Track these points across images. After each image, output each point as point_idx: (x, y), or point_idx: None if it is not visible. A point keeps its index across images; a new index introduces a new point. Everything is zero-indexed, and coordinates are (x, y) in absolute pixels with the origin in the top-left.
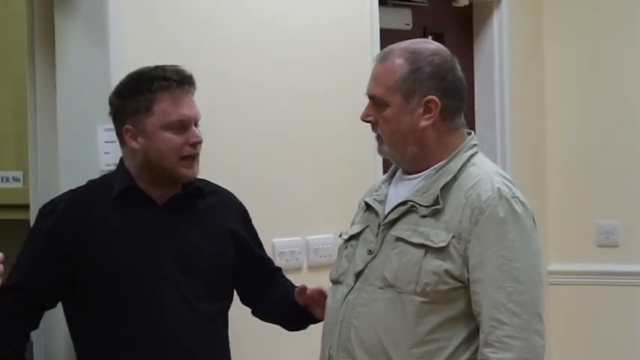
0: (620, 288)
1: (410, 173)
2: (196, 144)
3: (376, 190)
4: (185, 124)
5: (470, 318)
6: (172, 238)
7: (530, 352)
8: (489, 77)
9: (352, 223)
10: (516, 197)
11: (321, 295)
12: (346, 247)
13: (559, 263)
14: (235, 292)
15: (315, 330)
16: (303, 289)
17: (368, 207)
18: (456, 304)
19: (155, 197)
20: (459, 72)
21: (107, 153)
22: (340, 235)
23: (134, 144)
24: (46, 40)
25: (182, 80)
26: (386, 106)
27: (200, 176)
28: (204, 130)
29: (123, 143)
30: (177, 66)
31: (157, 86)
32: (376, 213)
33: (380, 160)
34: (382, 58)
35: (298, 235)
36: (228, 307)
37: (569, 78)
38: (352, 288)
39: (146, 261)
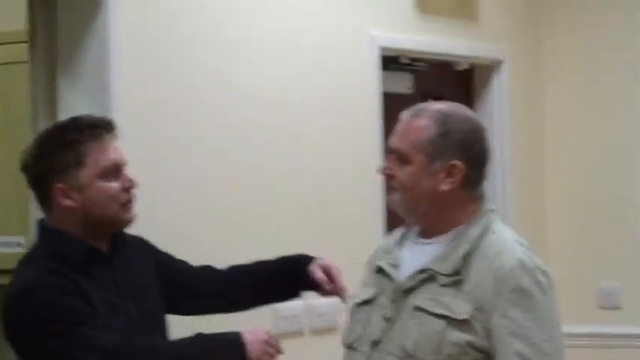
0: (623, 350)
1: (423, 235)
2: (130, 188)
3: (389, 253)
4: (119, 168)
5: None
6: (129, 286)
7: None
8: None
9: (364, 285)
10: (538, 267)
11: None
12: (359, 312)
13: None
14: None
15: None
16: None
17: (380, 270)
18: None
19: (102, 249)
20: (488, 143)
21: None
22: (351, 299)
23: (68, 202)
24: (48, 107)
25: (109, 126)
26: (407, 162)
27: (199, 237)
28: (207, 187)
29: (53, 205)
30: (92, 114)
31: (87, 136)
32: (390, 278)
33: (382, 222)
34: (413, 115)
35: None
36: None
37: (570, 141)
38: (369, 357)
39: (119, 316)
